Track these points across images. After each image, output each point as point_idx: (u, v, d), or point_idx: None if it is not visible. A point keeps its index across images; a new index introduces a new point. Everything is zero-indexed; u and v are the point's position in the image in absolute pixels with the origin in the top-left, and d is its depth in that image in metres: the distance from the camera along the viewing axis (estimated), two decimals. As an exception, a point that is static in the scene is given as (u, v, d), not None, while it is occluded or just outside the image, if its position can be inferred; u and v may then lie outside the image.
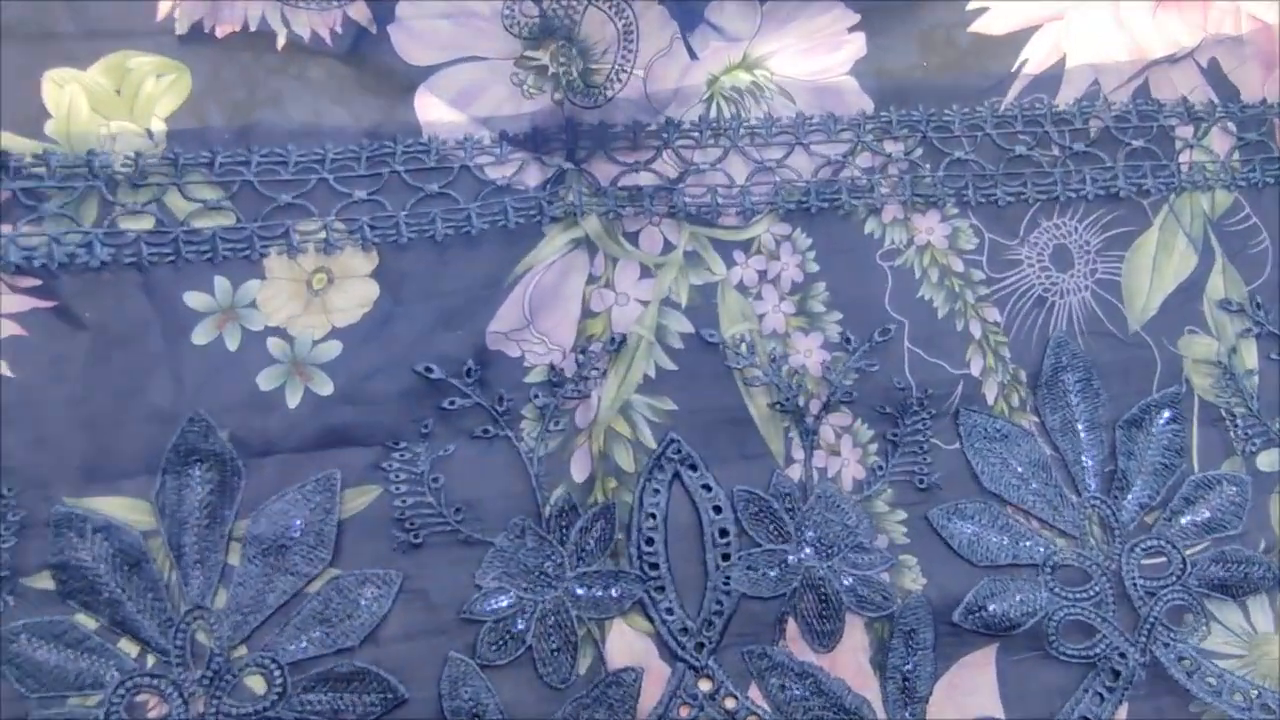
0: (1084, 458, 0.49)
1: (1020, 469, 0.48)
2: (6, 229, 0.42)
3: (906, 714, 0.45)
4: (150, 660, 0.41)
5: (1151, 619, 0.47)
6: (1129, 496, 0.49)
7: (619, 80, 0.48)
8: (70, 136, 0.43)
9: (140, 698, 0.41)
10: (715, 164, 0.48)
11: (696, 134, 0.48)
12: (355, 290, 0.44)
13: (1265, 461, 0.50)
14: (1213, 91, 0.52)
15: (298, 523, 0.41)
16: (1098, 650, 0.47)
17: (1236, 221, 0.51)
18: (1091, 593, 0.47)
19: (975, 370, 0.49)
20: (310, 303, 0.44)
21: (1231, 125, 0.52)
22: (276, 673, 0.40)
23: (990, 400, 0.49)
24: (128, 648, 0.41)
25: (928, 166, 0.50)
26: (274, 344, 0.43)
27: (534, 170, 0.47)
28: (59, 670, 0.40)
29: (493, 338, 0.45)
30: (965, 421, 0.48)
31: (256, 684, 0.41)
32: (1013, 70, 0.51)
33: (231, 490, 0.41)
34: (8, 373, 0.42)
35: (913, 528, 0.47)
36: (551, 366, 0.45)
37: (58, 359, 0.42)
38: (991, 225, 0.50)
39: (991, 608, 0.46)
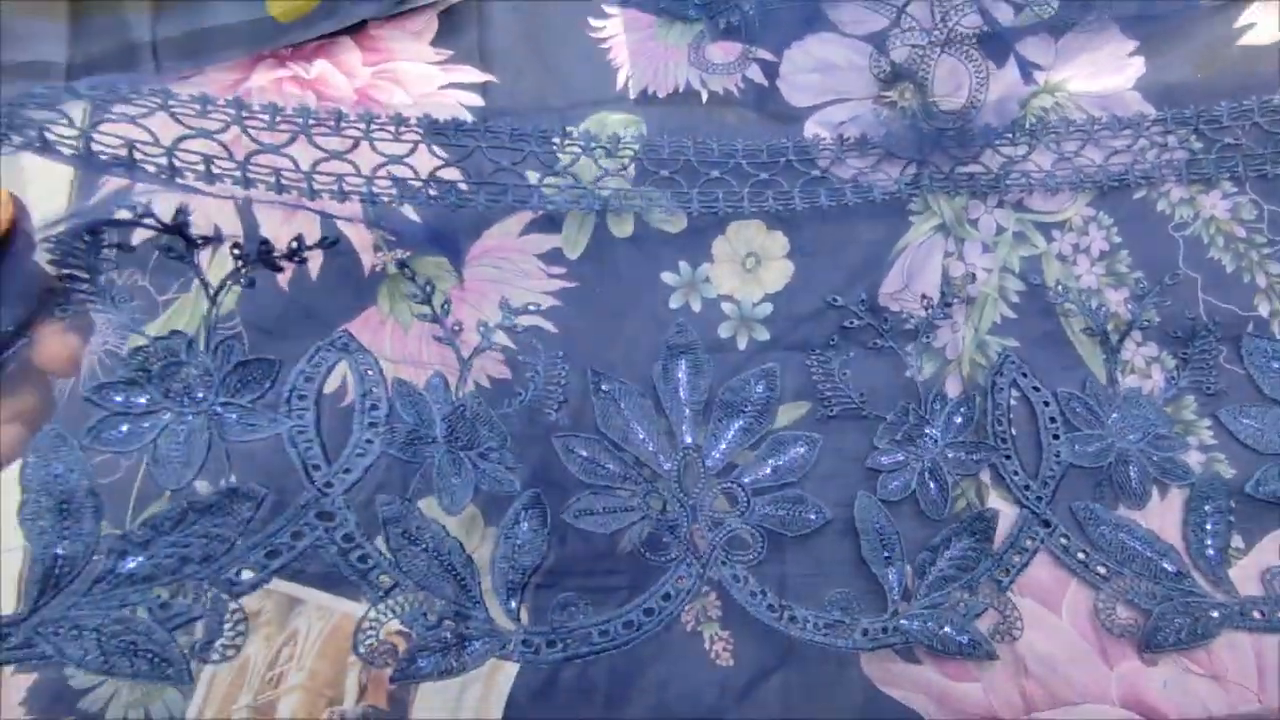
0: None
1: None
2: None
3: (1209, 562, 0.53)
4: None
5: None
6: None
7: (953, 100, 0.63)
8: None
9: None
10: (1025, 156, 0.62)
11: (1010, 134, 0.61)
12: (776, 267, 0.61)
13: None
14: None
15: (760, 389, 0.56)
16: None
17: None
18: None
19: (1264, 312, 0.58)
20: (745, 277, 0.62)
21: None
22: (741, 492, 0.54)
23: (1279, 335, 0.58)
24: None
25: (1202, 152, 0.60)
26: (726, 306, 0.61)
27: (889, 164, 0.61)
28: None
29: (883, 297, 0.59)
30: (1247, 345, 0.58)
31: (721, 504, 0.54)
32: (1281, 70, 0.60)
33: (703, 371, 0.56)
34: (551, 328, 0.60)
35: (1217, 431, 0.57)
36: (927, 303, 0.58)
37: (583, 312, 0.58)
38: (1269, 198, 0.60)
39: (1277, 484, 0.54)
